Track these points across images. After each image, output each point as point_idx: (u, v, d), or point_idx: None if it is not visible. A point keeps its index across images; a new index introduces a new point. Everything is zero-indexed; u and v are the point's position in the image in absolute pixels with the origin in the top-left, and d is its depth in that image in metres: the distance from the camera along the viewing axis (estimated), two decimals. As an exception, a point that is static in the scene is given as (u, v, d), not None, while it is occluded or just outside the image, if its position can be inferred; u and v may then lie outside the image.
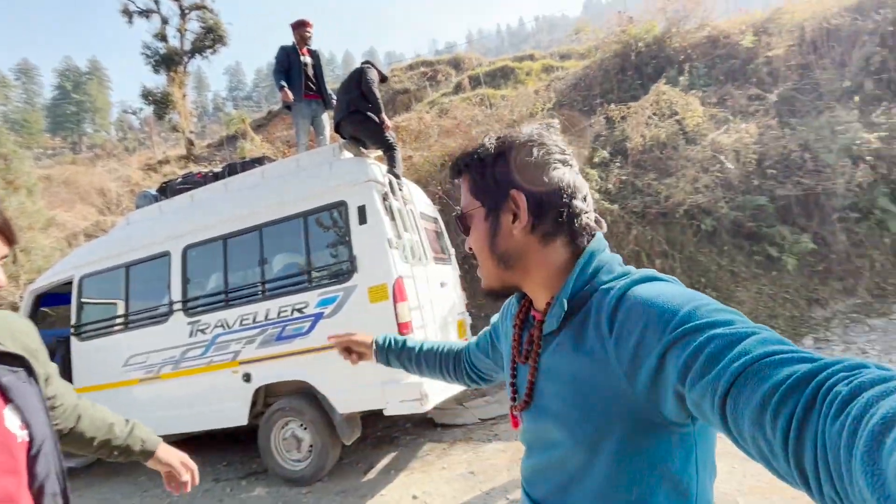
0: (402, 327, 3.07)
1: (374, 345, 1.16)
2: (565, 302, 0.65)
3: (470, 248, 0.76)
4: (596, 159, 6.27)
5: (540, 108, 7.27)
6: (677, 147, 6.02)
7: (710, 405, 0.46)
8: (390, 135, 3.92)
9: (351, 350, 1.18)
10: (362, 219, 3.23)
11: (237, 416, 3.56)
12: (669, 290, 0.57)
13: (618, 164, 6.19)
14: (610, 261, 0.68)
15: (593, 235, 0.70)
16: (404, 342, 1.15)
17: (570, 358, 0.64)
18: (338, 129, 4.07)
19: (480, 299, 6.02)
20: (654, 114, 6.41)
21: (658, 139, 6.13)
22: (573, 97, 7.82)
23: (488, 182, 0.71)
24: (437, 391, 3.24)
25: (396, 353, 1.15)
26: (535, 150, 0.69)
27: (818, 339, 4.56)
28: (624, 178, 6.03)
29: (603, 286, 0.64)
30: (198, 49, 14.16)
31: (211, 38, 14.04)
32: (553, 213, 0.67)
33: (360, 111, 3.89)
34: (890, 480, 0.29)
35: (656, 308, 0.55)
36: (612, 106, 6.79)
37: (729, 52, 7.32)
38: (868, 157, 5.33)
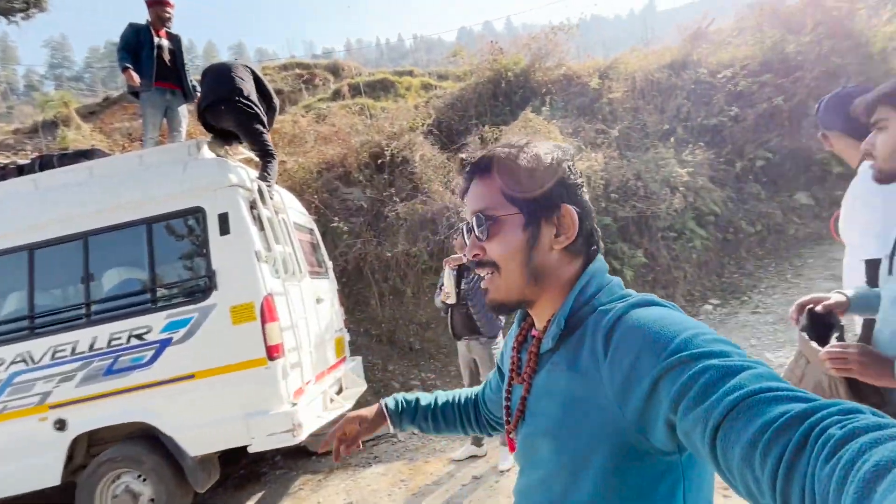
0: (272, 350, 2.76)
1: (384, 411, 0.99)
2: (563, 321, 0.65)
3: (476, 256, 0.70)
4: (472, 176, 6.59)
5: (420, 123, 7.41)
6: (541, 170, 6.66)
7: (701, 436, 0.45)
8: (269, 140, 3.54)
9: (347, 438, 0.96)
10: (224, 228, 2.84)
11: (46, 475, 2.80)
12: (667, 316, 0.57)
13: (491, 182, 6.60)
14: (611, 282, 0.68)
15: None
16: (416, 400, 1.01)
17: (564, 376, 0.64)
18: (207, 113, 3.42)
19: (359, 314, 5.81)
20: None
21: (525, 161, 6.70)
22: (451, 116, 8.15)
23: (535, 190, 0.67)
24: (313, 418, 2.98)
25: (411, 416, 0.99)
26: (574, 169, 0.70)
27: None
28: (497, 195, 6.45)
29: (601, 307, 0.63)
30: (3, 10, 11.28)
31: (22, -1, 11.31)
32: (585, 232, 0.69)
33: (253, 105, 3.39)
34: None
35: (652, 333, 0.54)
36: (487, 127, 7.24)
37: (581, 91, 8.41)
38: (681, 188, 6.57)
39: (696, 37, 9.55)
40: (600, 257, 0.71)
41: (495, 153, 0.70)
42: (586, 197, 0.71)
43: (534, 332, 0.74)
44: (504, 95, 8.36)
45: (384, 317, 5.79)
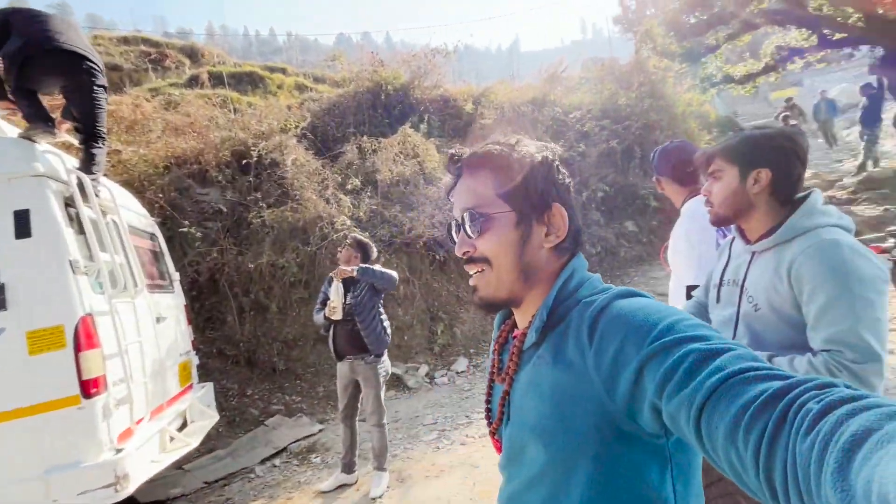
0: (90, 385, 2.20)
1: None
2: (545, 313, 0.65)
3: (466, 253, 0.69)
4: (349, 186, 6.37)
5: (293, 126, 6.93)
6: (418, 185, 6.77)
7: (686, 418, 0.47)
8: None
9: None
10: (22, 230, 2.20)
11: None
12: (649, 305, 0.58)
13: (368, 194, 6.46)
14: (591, 278, 0.69)
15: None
16: None
17: (549, 370, 0.63)
18: (31, 66, 2.52)
19: (212, 333, 5.10)
20: (401, 152, 7.05)
21: (403, 175, 6.74)
22: (327, 121, 7.81)
23: (528, 188, 0.67)
24: (145, 465, 2.46)
25: None
26: (562, 169, 0.71)
27: (513, 349, 5.81)
28: (374, 207, 6.33)
29: (584, 300, 0.64)
30: None
31: None
32: (573, 231, 0.70)
33: (95, 67, 2.68)
34: (858, 496, 0.30)
35: (636, 321, 0.56)
36: (365, 138, 7.10)
37: (456, 113, 8.84)
38: (540, 211, 7.31)
39: (552, 79, 10.87)
40: (580, 254, 0.72)
41: (489, 150, 0.69)
42: (572, 197, 0.72)
43: (515, 333, 0.74)
44: (384, 107, 8.34)
45: (243, 335, 5.17)
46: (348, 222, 5.82)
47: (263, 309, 5.35)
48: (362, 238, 3.32)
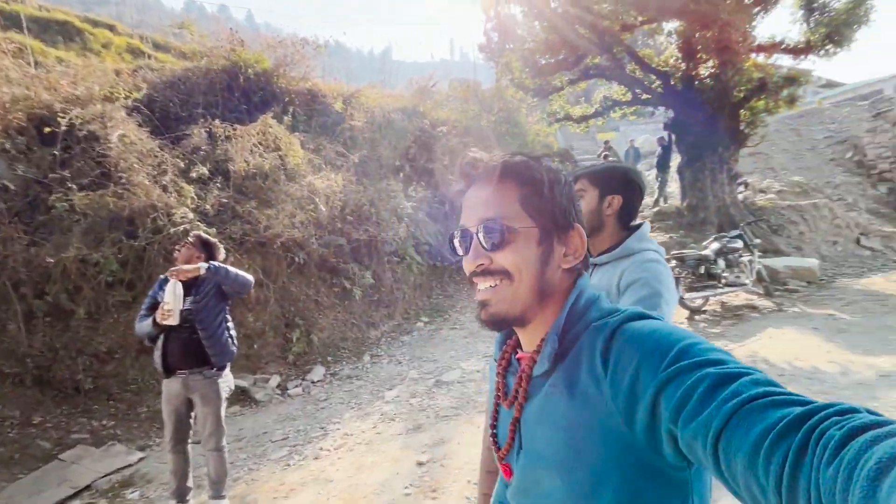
0: None
1: None
2: (556, 338, 0.63)
3: (482, 265, 0.65)
4: (193, 174, 5.59)
5: (123, 95, 5.81)
6: (279, 181, 6.29)
7: (703, 446, 0.45)
8: None
9: None
10: None
11: None
12: (662, 328, 0.57)
13: (218, 185, 5.77)
14: (599, 297, 0.67)
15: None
16: None
17: (564, 401, 0.61)
18: None
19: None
20: (260, 143, 6.47)
21: (262, 169, 6.19)
22: (169, 96, 6.75)
23: (553, 206, 0.66)
24: None
25: None
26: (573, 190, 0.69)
27: (374, 355, 5.78)
28: (224, 201, 5.67)
29: (594, 323, 0.62)
30: None
31: None
32: (585, 252, 0.68)
33: None
34: None
35: (650, 345, 0.54)
36: (217, 122, 6.33)
37: (325, 110, 8.50)
38: (406, 219, 7.46)
39: (423, 92, 11.27)
40: (586, 274, 0.71)
41: (517, 161, 0.67)
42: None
43: (519, 355, 0.71)
44: (242, 92, 7.56)
45: (32, 347, 4.10)
46: (191, 215, 5.10)
47: (66, 315, 4.33)
48: (207, 236, 2.92)
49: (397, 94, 10.97)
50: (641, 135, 16.61)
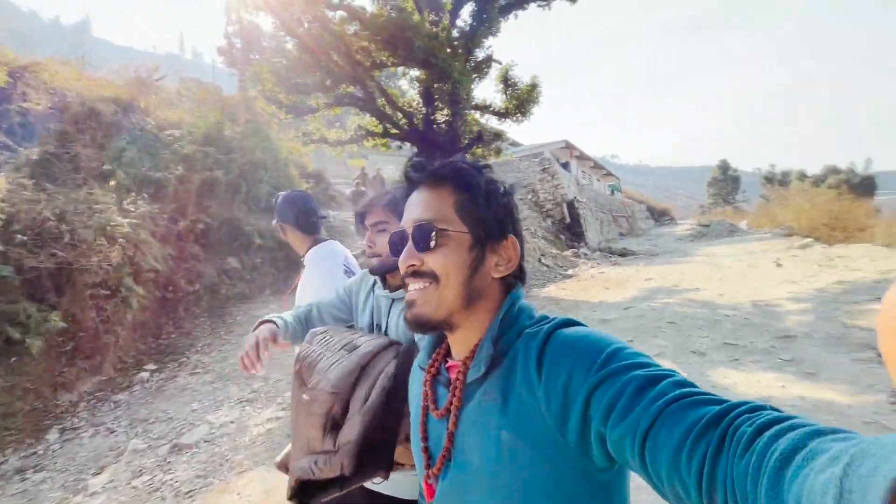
0: None
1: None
2: (490, 345, 0.64)
3: (412, 266, 0.66)
4: None
5: None
6: None
7: (631, 446, 0.47)
8: None
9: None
10: None
11: None
12: (591, 334, 0.59)
13: None
14: (531, 307, 0.69)
15: None
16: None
17: (497, 407, 0.61)
18: None
19: None
20: None
21: None
22: None
23: (486, 214, 0.68)
24: None
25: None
26: (517, 204, 0.72)
27: (64, 429, 4.14)
28: None
29: (527, 331, 0.64)
30: None
31: None
32: (521, 266, 0.70)
33: None
34: None
35: (580, 349, 0.56)
36: None
37: (-29, 80, 5.83)
38: (120, 239, 5.77)
39: (144, 84, 9.17)
40: (520, 286, 0.71)
41: (458, 168, 0.68)
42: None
43: (449, 364, 0.71)
44: None
45: None
46: None
47: None
48: None
49: (104, 80, 8.54)
50: (390, 165, 18.19)
